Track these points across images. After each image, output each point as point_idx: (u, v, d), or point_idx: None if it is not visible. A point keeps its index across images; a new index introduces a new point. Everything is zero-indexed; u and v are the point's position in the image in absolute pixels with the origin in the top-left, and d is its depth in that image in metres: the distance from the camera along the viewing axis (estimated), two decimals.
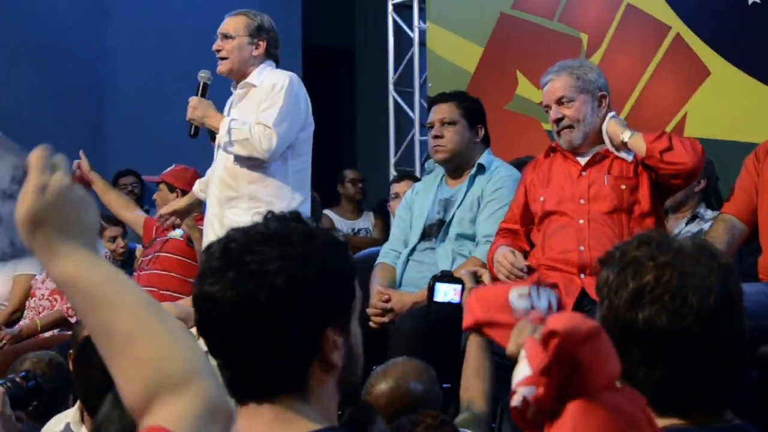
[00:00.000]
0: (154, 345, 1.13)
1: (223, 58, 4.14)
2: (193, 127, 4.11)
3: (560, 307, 1.87)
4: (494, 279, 3.53)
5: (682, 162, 3.38)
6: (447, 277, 3.16)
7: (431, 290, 3.14)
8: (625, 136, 3.48)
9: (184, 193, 5.16)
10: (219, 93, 4.29)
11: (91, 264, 1.17)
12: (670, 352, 1.57)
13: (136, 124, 7.69)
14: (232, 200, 4.08)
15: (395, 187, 5.71)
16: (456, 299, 3.09)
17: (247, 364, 1.49)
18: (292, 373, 1.49)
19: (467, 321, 1.70)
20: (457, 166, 4.15)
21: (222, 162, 4.12)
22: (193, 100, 4.09)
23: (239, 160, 4.04)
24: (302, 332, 1.48)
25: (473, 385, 2.67)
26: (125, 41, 7.76)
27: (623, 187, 3.51)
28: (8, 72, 7.15)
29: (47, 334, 5.14)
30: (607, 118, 3.60)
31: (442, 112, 4.17)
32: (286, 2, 8.17)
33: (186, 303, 4.70)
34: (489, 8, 6.57)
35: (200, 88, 4.14)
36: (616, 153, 3.54)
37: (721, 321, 1.58)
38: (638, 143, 3.45)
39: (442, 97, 4.28)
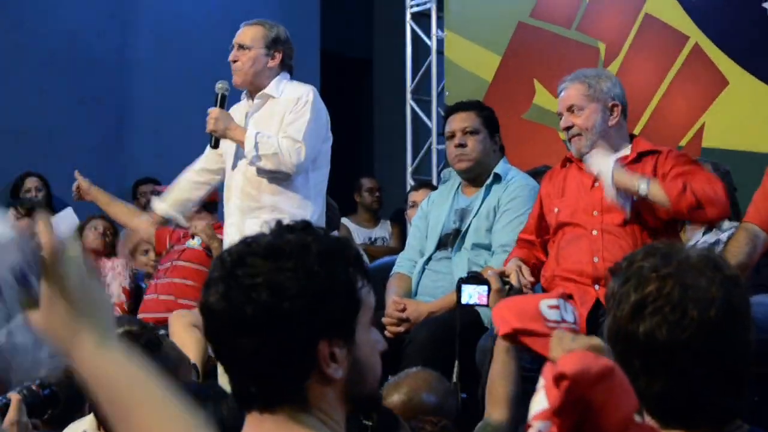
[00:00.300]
0: None
1: (238, 69, 4.15)
2: (214, 138, 4.10)
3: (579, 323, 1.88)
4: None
5: (712, 218, 3.44)
6: (473, 278, 3.11)
7: (458, 293, 3.10)
8: (642, 188, 3.37)
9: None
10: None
11: (115, 362, 1.19)
12: (670, 364, 1.56)
13: (156, 132, 7.74)
14: (254, 210, 4.06)
15: (413, 196, 5.72)
16: (482, 302, 3.05)
17: (245, 374, 1.51)
18: (287, 385, 1.49)
19: (504, 329, 1.69)
20: (478, 175, 4.15)
21: (241, 172, 4.11)
22: (214, 112, 4.07)
23: (262, 171, 4.03)
24: (292, 346, 1.47)
25: (497, 388, 2.66)
26: (146, 52, 7.82)
27: (635, 198, 3.49)
28: (32, 81, 7.21)
29: None
30: (608, 166, 3.42)
31: (463, 120, 4.16)
32: (305, 11, 8.20)
33: None
34: (507, 17, 6.58)
35: (219, 99, 4.12)
36: (612, 198, 3.44)
37: (723, 333, 1.57)
38: (659, 195, 3.38)
39: (462, 106, 4.27)
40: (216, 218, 5.34)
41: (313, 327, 1.47)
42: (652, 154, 3.62)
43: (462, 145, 4.11)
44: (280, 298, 1.46)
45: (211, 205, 5.32)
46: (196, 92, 7.81)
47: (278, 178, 4.04)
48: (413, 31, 7.62)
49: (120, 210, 5.43)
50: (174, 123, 7.62)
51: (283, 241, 1.51)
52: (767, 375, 3.15)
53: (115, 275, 5.33)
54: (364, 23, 9.10)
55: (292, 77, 4.25)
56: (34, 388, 2.68)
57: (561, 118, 3.70)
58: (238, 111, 4.25)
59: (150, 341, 2.18)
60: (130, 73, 7.86)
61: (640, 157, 3.61)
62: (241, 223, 4.08)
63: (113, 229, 5.53)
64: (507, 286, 2.89)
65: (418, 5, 7.59)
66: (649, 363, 1.57)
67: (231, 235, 4.09)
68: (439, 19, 7.33)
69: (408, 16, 7.63)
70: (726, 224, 4.27)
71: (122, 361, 1.20)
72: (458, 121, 4.17)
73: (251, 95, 4.20)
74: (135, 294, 5.43)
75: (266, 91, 4.13)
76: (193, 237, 4.98)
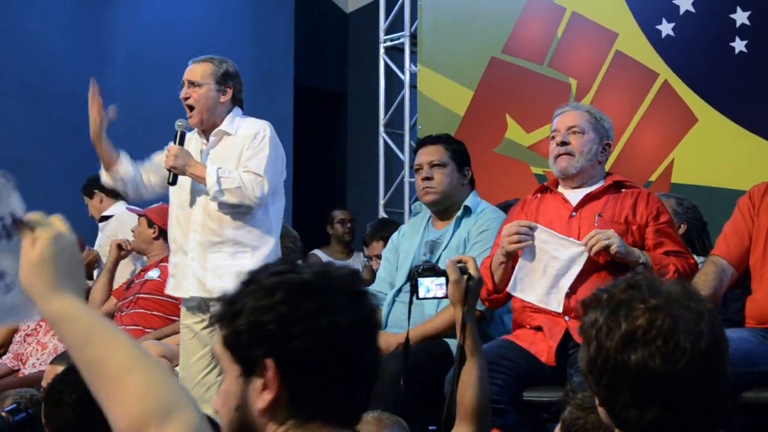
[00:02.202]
0: (144, 376, 1.25)
1: (190, 106, 4.16)
2: (172, 175, 4.12)
3: None
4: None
5: None
6: (429, 270, 2.90)
7: (413, 287, 2.89)
8: (642, 260, 3.45)
9: (161, 230, 5.20)
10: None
11: (81, 312, 1.34)
12: (662, 394, 1.58)
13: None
14: (216, 245, 4.11)
15: (371, 250, 5.91)
16: (440, 294, 2.87)
17: None
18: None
19: None
20: (446, 208, 4.17)
21: (201, 207, 4.14)
22: (174, 149, 4.11)
23: (224, 206, 4.07)
24: (244, 347, 1.49)
25: (463, 400, 2.60)
26: (122, 82, 7.80)
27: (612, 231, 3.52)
28: (6, 110, 7.18)
29: (29, 372, 5.13)
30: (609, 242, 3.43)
31: (431, 154, 4.19)
32: (280, 45, 8.23)
33: (172, 341, 4.74)
34: (479, 52, 6.63)
35: (178, 136, 4.16)
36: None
37: (710, 365, 1.60)
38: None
39: (430, 140, 4.30)
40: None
41: (270, 344, 1.47)
42: (631, 189, 3.66)
43: (429, 178, 4.14)
44: (259, 306, 1.49)
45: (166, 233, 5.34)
46: (169, 124, 7.78)
47: (240, 212, 4.08)
48: (387, 65, 7.68)
49: (102, 290, 5.44)
50: (147, 154, 7.60)
51: (321, 275, 1.53)
52: (733, 409, 3.19)
53: None
54: (338, 57, 9.14)
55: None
56: (4, 414, 2.65)
57: (554, 137, 3.72)
58: (190, 147, 4.26)
59: None
60: (106, 104, 7.83)
61: (618, 188, 3.66)
62: (203, 257, 4.11)
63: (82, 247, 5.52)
64: (465, 276, 2.76)
65: (391, 40, 7.66)
66: (641, 393, 1.58)
67: (193, 269, 4.12)
68: (413, 53, 7.40)
69: (381, 51, 7.70)
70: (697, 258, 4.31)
71: (95, 312, 1.37)
72: (426, 155, 4.20)
73: (205, 132, 4.23)
74: None
75: (222, 128, 4.17)
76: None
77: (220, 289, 4.02)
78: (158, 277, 5.12)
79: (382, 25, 7.72)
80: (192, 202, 4.18)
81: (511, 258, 3.54)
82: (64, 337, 1.33)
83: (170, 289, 4.34)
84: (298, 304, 1.48)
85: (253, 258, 4.05)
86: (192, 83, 4.18)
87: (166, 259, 5.19)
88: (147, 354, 1.30)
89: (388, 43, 7.69)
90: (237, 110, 4.23)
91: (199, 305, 4.18)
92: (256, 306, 1.49)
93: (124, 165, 4.31)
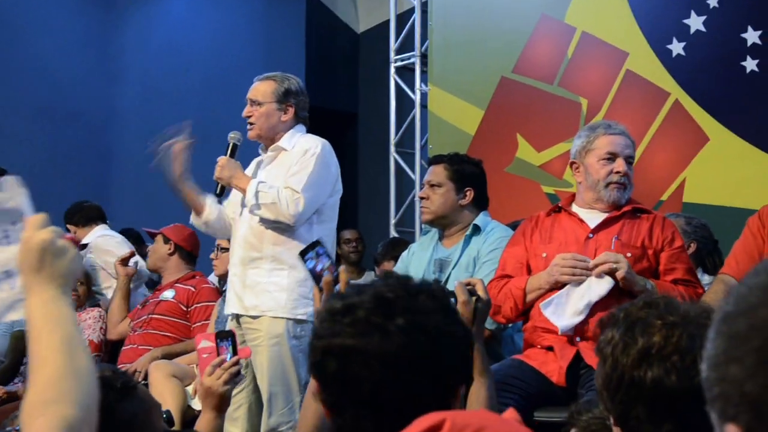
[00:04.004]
0: (46, 375, 1.36)
1: (252, 124, 4.16)
2: (219, 186, 4.11)
3: None
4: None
5: None
6: None
7: None
8: (648, 287, 3.43)
9: (177, 246, 5.21)
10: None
11: (44, 303, 1.45)
12: (677, 410, 1.57)
13: (141, 185, 7.74)
14: (255, 260, 4.06)
15: (384, 267, 5.91)
16: None
17: None
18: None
19: None
20: (443, 227, 4.19)
21: (246, 222, 4.10)
22: (222, 160, 4.09)
23: (265, 221, 4.03)
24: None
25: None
26: (133, 104, 7.85)
27: (629, 255, 3.48)
28: (20, 131, 7.24)
29: None
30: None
31: (430, 174, 4.25)
32: (291, 65, 8.26)
33: (183, 361, 4.74)
34: (490, 72, 6.64)
35: (230, 148, 4.13)
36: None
37: None
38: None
39: (435, 159, 4.35)
40: (191, 268, 5.36)
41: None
42: (646, 213, 3.65)
43: (425, 198, 4.18)
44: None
45: (189, 255, 5.35)
46: None
47: (281, 228, 4.03)
48: (397, 85, 7.70)
49: (120, 310, 5.39)
50: (159, 176, 7.62)
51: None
52: None
53: (85, 327, 5.30)
54: (348, 77, 9.17)
55: (307, 128, 4.27)
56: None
57: (610, 159, 3.64)
58: (254, 163, 4.26)
59: (125, 384, 2.19)
60: (117, 126, 7.88)
61: (635, 212, 3.64)
62: (243, 273, 4.08)
63: (85, 279, 5.51)
64: (474, 298, 2.72)
65: (402, 60, 7.68)
66: (656, 409, 1.58)
67: (234, 285, 4.10)
68: (423, 73, 7.42)
69: (392, 71, 7.72)
70: (706, 279, 4.29)
71: (50, 308, 1.45)
72: (427, 174, 4.27)
73: (266, 148, 4.22)
74: (115, 343, 5.40)
75: (279, 143, 4.15)
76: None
77: (255, 307, 3.99)
78: (173, 298, 5.14)
79: (393, 45, 7.74)
80: (241, 217, 4.17)
81: (557, 286, 3.51)
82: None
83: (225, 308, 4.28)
84: None
85: (288, 277, 3.98)
86: (254, 102, 4.17)
87: (181, 280, 5.21)
88: (68, 353, 1.39)
89: (399, 63, 7.71)
90: (300, 127, 4.22)
91: (237, 322, 4.10)
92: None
93: (209, 208, 4.29)
